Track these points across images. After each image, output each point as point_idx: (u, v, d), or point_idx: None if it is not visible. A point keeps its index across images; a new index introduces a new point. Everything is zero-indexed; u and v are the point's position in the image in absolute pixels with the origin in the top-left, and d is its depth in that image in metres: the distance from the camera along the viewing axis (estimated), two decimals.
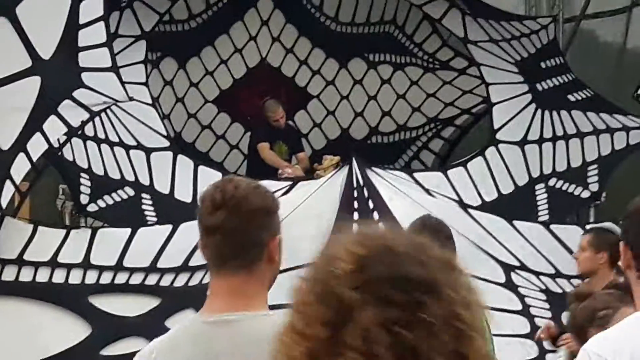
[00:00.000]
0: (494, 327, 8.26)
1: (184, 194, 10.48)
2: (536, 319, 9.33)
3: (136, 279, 9.22)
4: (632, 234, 3.39)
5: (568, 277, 9.72)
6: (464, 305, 1.68)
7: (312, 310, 1.67)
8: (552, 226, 10.37)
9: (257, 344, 3.15)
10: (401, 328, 1.57)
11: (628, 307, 4.96)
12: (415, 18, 12.77)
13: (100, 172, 10.48)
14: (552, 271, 9.86)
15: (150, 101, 11.31)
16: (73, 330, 9.02)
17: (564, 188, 11.56)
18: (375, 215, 10.08)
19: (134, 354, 9.37)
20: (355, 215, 10.00)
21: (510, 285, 9.72)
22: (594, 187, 11.58)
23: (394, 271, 1.67)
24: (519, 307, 9.66)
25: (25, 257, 9.05)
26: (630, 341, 3.24)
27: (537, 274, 9.83)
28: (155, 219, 10.13)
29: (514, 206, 11.12)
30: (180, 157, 10.86)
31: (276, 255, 3.42)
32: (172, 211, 10.18)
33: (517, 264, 10.02)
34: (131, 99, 10.28)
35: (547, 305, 9.65)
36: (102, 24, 9.70)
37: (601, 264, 8.02)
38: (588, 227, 9.73)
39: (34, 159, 9.42)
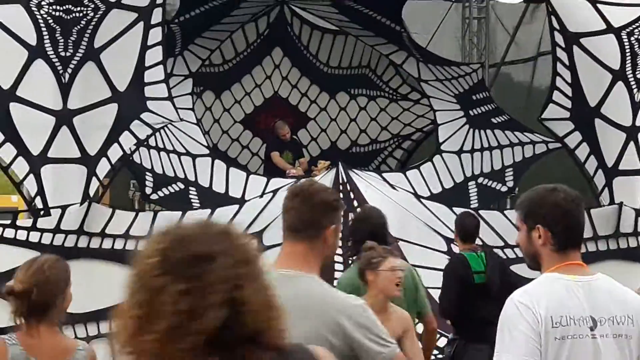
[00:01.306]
0: (438, 282, 8.31)
1: (219, 187, 10.54)
2: None
3: None
4: (550, 220, 3.31)
5: (490, 247, 9.75)
6: (239, 264, 1.79)
7: (132, 298, 1.75)
8: (480, 211, 10.37)
9: (310, 297, 3.29)
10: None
11: (394, 257, 5.65)
12: (383, 63, 12.81)
13: (160, 171, 10.51)
14: (480, 243, 9.89)
15: (195, 121, 11.36)
16: None
17: (488, 184, 11.62)
18: (355, 202, 10.12)
19: None
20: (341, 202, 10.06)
21: (450, 253, 9.76)
22: (510, 184, 11.65)
23: (184, 254, 1.75)
24: None
25: (107, 231, 9.08)
26: (545, 294, 3.20)
27: None
28: (198, 205, 10.14)
29: (453, 197, 11.14)
30: (216, 161, 10.90)
31: (330, 239, 3.40)
32: (210, 199, 10.20)
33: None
34: (181, 119, 10.35)
35: None
36: (161, 66, 9.75)
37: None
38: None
39: (113, 161, 9.46)
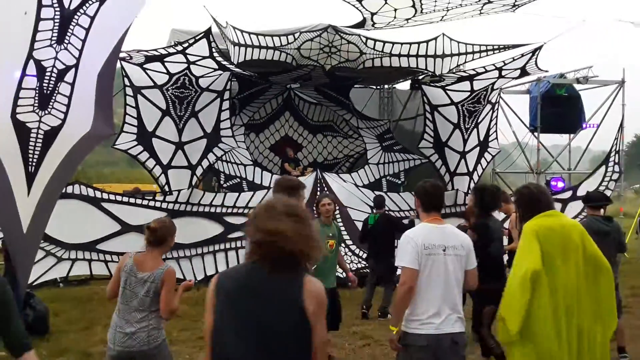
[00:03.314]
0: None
1: (257, 181, 10.42)
2: None
3: (237, 210, 9.24)
4: (420, 196, 3.30)
5: (388, 212, 9.81)
6: (300, 229, 1.96)
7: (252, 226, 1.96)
8: (388, 193, 10.45)
9: None
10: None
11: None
12: (340, 119, 12.73)
13: (228, 173, 10.48)
14: (386, 209, 9.92)
15: (245, 148, 11.31)
16: (217, 229, 9.06)
17: (392, 180, 11.58)
18: (326, 191, 10.08)
19: (238, 237, 9.03)
20: (318, 190, 9.97)
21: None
22: (402, 179, 11.64)
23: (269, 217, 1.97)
24: None
25: (200, 203, 9.03)
26: (421, 233, 3.16)
27: None
28: (247, 190, 10.14)
29: (374, 186, 11.12)
30: (256, 168, 10.81)
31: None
32: (253, 187, 10.20)
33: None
34: (238, 147, 10.37)
35: None
36: (228, 120, 9.80)
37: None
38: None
39: (204, 167, 9.48)
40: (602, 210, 5.28)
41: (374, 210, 8.23)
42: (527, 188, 3.25)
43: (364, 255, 8.87)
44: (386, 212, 8.21)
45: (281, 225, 1.94)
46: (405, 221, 8.18)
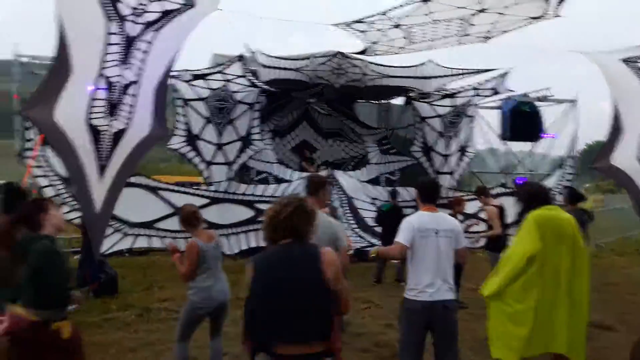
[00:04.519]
0: (367, 214, 8.22)
1: (282, 175, 10.37)
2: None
3: (265, 199, 9.19)
4: (419, 190, 3.26)
5: (396, 201, 9.67)
6: (306, 221, 2.12)
7: (268, 218, 2.07)
8: (386, 187, 10.34)
9: (327, 221, 3.12)
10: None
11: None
12: (346, 127, 12.58)
13: (258, 168, 10.41)
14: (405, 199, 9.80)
15: (271, 149, 11.18)
16: (249, 213, 9.01)
17: (388, 177, 11.43)
18: (335, 184, 9.99)
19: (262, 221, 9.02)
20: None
21: (373, 204, 9.67)
22: (396, 177, 11.47)
23: (283, 211, 2.10)
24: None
25: (236, 192, 9.03)
26: (416, 219, 3.15)
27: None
28: (274, 182, 10.08)
29: (374, 181, 11.04)
30: (281, 165, 10.76)
31: (322, 197, 3.27)
32: (278, 180, 10.14)
33: (375, 197, 10.01)
34: (266, 148, 10.28)
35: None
36: (258, 127, 9.70)
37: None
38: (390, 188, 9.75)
39: (239, 164, 9.42)
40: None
41: (389, 200, 8.15)
42: (529, 186, 3.39)
43: (367, 237, 8.82)
44: (398, 202, 8.07)
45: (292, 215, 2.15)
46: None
